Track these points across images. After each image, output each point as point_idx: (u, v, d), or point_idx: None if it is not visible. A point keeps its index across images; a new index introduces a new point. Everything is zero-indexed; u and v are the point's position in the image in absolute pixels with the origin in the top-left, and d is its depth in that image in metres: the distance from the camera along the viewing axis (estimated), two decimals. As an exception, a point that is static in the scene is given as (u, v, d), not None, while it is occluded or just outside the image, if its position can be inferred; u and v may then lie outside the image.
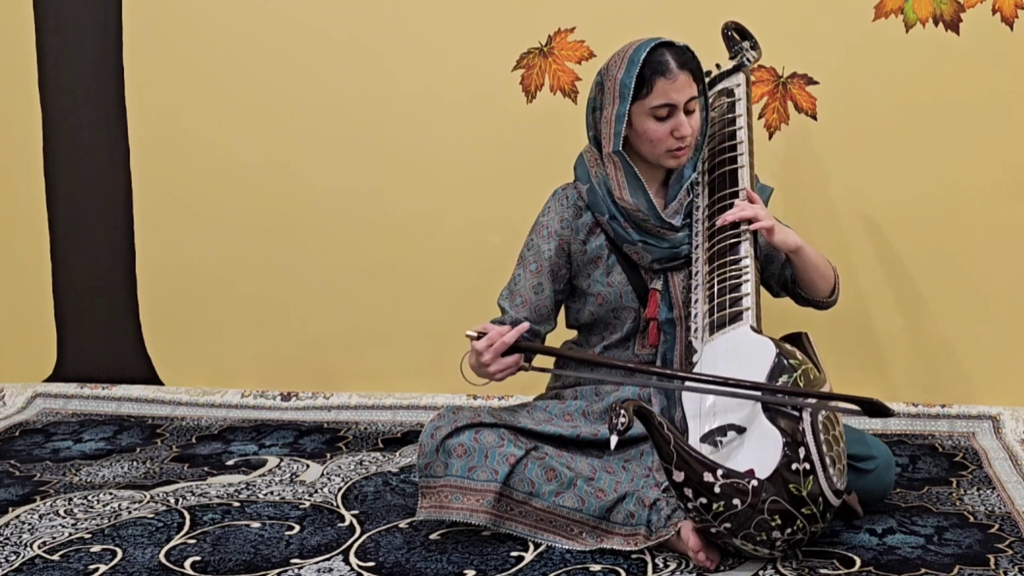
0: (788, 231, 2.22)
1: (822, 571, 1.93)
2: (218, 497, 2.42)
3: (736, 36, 2.58)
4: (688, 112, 2.21)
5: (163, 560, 2.07)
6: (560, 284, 2.32)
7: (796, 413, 1.89)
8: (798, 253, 2.22)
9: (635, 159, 2.26)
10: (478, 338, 2.11)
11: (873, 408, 1.88)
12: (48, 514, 2.35)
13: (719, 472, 1.86)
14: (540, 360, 2.26)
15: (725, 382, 1.95)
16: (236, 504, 2.38)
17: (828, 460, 1.86)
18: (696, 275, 2.24)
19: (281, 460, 2.69)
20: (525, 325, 2.16)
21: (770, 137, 2.85)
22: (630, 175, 2.23)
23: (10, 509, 2.38)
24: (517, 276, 2.32)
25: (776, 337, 2.09)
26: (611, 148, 2.22)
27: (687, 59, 2.20)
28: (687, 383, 2.05)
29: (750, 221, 2.17)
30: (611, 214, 2.26)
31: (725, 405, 1.99)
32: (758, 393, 1.93)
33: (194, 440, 2.91)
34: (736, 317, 2.09)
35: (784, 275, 2.34)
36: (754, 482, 1.85)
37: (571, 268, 2.33)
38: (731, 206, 2.22)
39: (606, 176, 2.26)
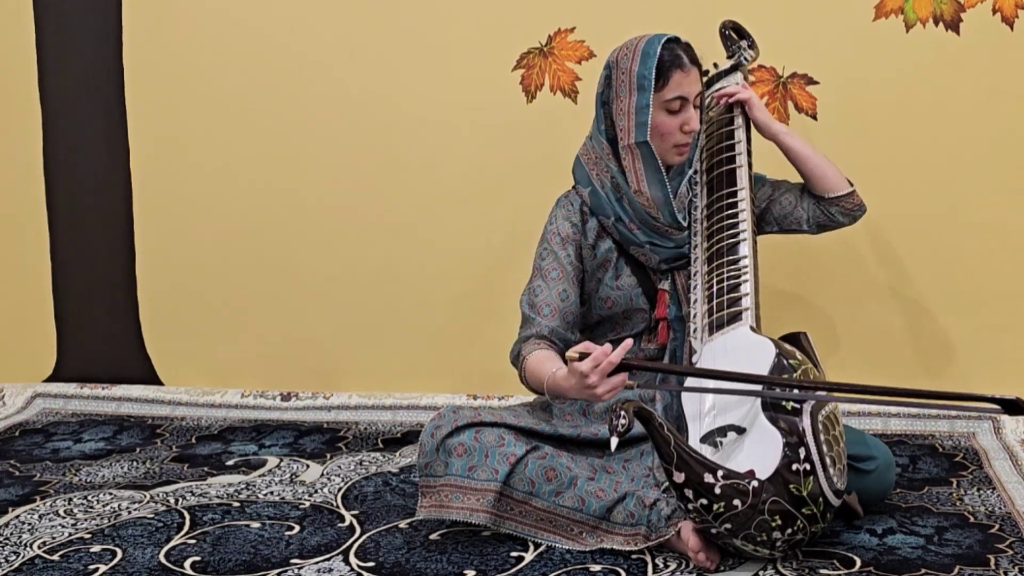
0: (776, 121, 2.38)
1: (822, 571, 1.93)
2: (218, 497, 2.42)
3: (734, 35, 2.58)
4: (695, 107, 2.22)
5: (163, 560, 2.07)
6: (580, 288, 2.32)
7: (798, 406, 1.88)
8: (788, 142, 2.33)
9: None
10: (580, 359, 1.95)
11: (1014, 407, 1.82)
12: (48, 514, 2.34)
13: (719, 473, 1.85)
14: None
15: (815, 385, 1.93)
16: (236, 504, 2.38)
17: (828, 460, 1.86)
18: (695, 275, 2.24)
19: (281, 460, 2.69)
20: (629, 342, 1.96)
21: (770, 137, 2.85)
22: (651, 166, 2.22)
23: (10, 509, 2.38)
24: (538, 288, 2.28)
25: (775, 337, 2.09)
26: (632, 140, 2.21)
27: (695, 55, 2.24)
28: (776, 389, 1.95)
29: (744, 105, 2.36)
30: (616, 216, 2.26)
31: (725, 405, 1.99)
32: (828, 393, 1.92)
33: (194, 440, 2.91)
34: (735, 317, 2.09)
35: (803, 204, 2.36)
36: (754, 483, 1.84)
37: (585, 272, 2.32)
38: (729, 206, 2.22)
39: (616, 172, 2.25)
